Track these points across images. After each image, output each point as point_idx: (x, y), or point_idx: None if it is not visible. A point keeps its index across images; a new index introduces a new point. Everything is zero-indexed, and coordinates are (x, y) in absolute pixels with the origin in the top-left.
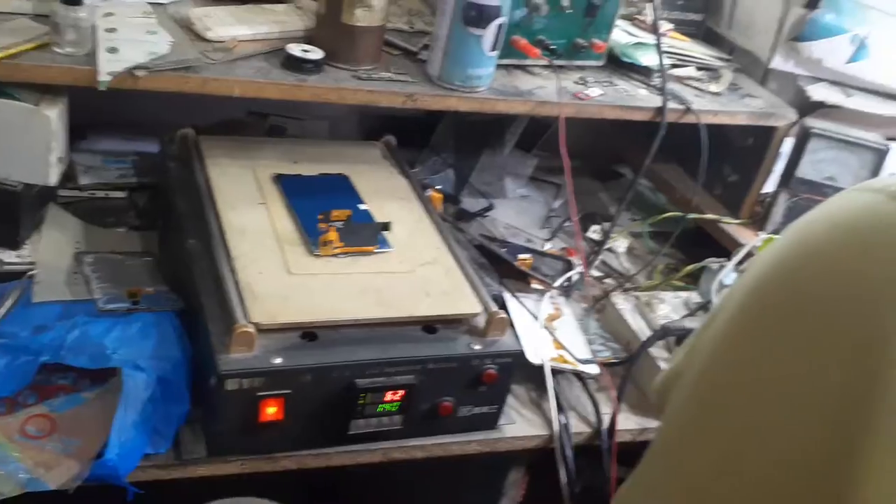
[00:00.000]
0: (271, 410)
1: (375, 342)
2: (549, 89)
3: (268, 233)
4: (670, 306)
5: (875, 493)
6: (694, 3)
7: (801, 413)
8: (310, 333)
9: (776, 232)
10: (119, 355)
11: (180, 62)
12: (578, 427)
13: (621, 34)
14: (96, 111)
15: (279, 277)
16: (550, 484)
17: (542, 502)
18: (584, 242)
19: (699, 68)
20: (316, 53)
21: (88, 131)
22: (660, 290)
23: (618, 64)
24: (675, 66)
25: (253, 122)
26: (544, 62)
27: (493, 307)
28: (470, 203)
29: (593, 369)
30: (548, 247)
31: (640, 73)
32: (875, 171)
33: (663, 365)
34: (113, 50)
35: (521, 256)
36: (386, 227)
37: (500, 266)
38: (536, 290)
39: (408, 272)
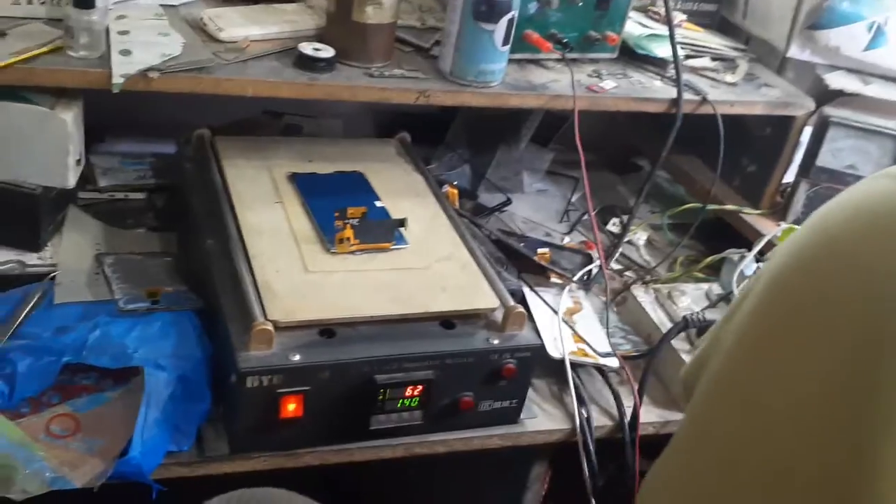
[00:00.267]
0: (291, 407)
1: (393, 338)
2: (562, 83)
3: (284, 231)
4: (691, 298)
5: (891, 488)
6: None
7: (818, 401)
8: (328, 330)
9: (797, 222)
10: (140, 354)
11: (193, 63)
12: (600, 420)
13: (634, 26)
14: (114, 113)
15: (296, 275)
16: (574, 477)
17: (565, 496)
18: (602, 235)
19: (714, 59)
20: (327, 52)
21: (106, 134)
22: (681, 282)
23: (631, 56)
24: (689, 56)
25: (268, 122)
26: (557, 56)
27: (511, 302)
28: (487, 198)
29: (614, 362)
30: (566, 240)
31: (654, 64)
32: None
33: (685, 357)
34: (126, 52)
35: (540, 250)
36: (402, 223)
37: (518, 261)
38: (556, 284)
39: (424, 268)
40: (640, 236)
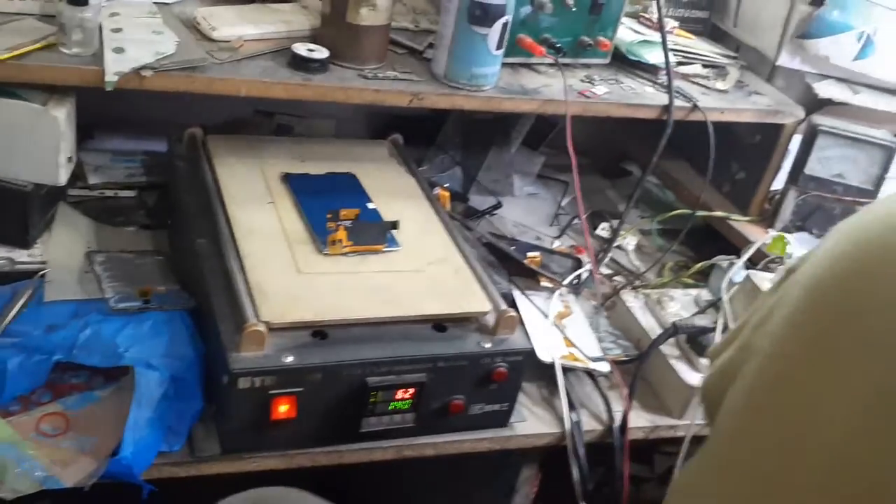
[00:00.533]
0: (283, 408)
1: (385, 341)
2: (554, 88)
3: (277, 232)
4: (680, 304)
5: None
6: (699, 0)
7: (856, 412)
8: (320, 332)
9: (786, 229)
10: (131, 354)
11: (186, 62)
12: (590, 425)
13: (627, 32)
14: (103, 110)
15: (289, 276)
16: (563, 481)
17: (554, 499)
18: (592, 240)
19: (705, 66)
20: (321, 53)
21: (96, 130)
22: (669, 288)
23: (623, 62)
24: (680, 63)
25: (259, 121)
26: (550, 60)
27: (503, 305)
28: (478, 201)
29: (604, 367)
30: (556, 245)
31: (646, 70)
32: (884, 168)
33: (675, 363)
34: (119, 50)
35: (530, 254)
36: (394, 225)
37: (509, 264)
38: (546, 288)
39: (416, 271)
40: (629, 241)
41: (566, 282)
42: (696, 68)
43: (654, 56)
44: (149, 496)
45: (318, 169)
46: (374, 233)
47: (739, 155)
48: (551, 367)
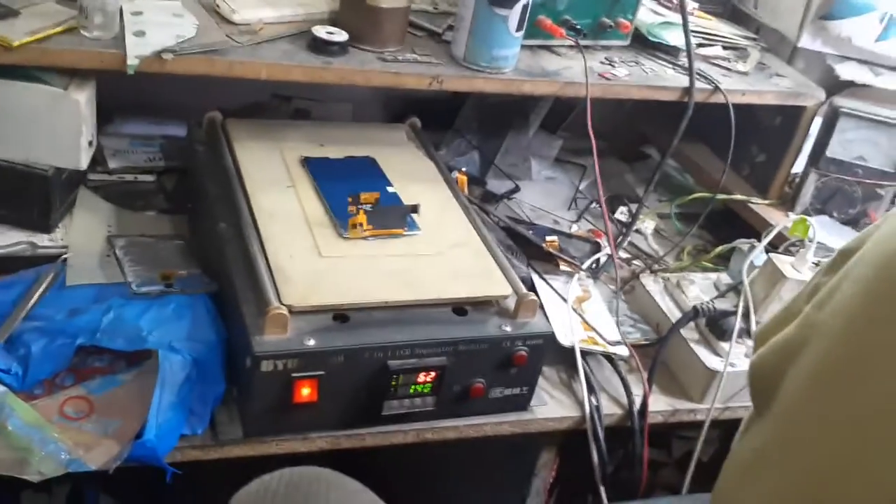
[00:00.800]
0: (305, 391)
1: (406, 324)
2: (575, 70)
3: (297, 216)
4: (700, 287)
5: None
6: None
7: None
8: (342, 315)
9: (806, 212)
10: (154, 337)
11: (207, 45)
12: (609, 408)
13: (647, 13)
14: (122, 95)
15: (310, 260)
16: (581, 465)
17: (573, 483)
18: (611, 224)
19: (726, 47)
20: (341, 35)
21: (115, 115)
22: (689, 272)
23: (644, 44)
24: (701, 45)
25: (277, 106)
26: (570, 42)
27: (523, 289)
28: (496, 185)
29: (623, 351)
30: (574, 229)
31: (666, 52)
32: None
33: (695, 346)
34: (140, 33)
35: (549, 238)
36: (415, 209)
37: (527, 248)
38: (564, 272)
39: (437, 254)
40: (648, 225)
41: (585, 266)
42: (717, 50)
43: (674, 38)
44: (172, 479)
45: (338, 153)
46: (395, 216)
47: (759, 138)
48: (571, 351)
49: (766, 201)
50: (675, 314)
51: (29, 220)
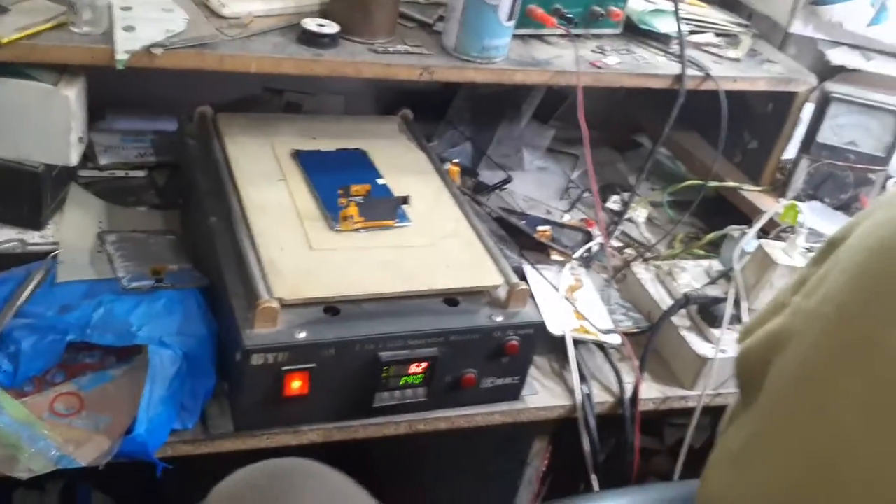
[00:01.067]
0: (296, 385)
1: (397, 315)
2: (566, 59)
3: (288, 209)
4: (691, 275)
5: None
6: None
7: None
8: (332, 308)
9: (798, 198)
10: (144, 332)
11: (197, 39)
12: (601, 397)
13: (638, 1)
14: (113, 91)
15: (301, 253)
16: (574, 453)
17: (566, 471)
18: (603, 213)
19: (717, 34)
20: (331, 27)
21: (106, 111)
22: (680, 259)
23: (635, 31)
24: (692, 32)
25: (269, 99)
26: (561, 31)
27: (514, 279)
28: (488, 176)
29: (615, 339)
30: (567, 218)
31: (657, 40)
32: None
33: (686, 334)
34: (129, 28)
35: (541, 228)
36: (405, 201)
37: (519, 238)
38: (556, 262)
39: (428, 245)
40: (640, 213)
41: (577, 255)
42: (709, 37)
43: (666, 25)
44: (163, 474)
45: (329, 145)
46: (385, 208)
47: (751, 124)
48: (562, 340)
49: (759, 188)
50: (666, 302)
51: (19, 217)
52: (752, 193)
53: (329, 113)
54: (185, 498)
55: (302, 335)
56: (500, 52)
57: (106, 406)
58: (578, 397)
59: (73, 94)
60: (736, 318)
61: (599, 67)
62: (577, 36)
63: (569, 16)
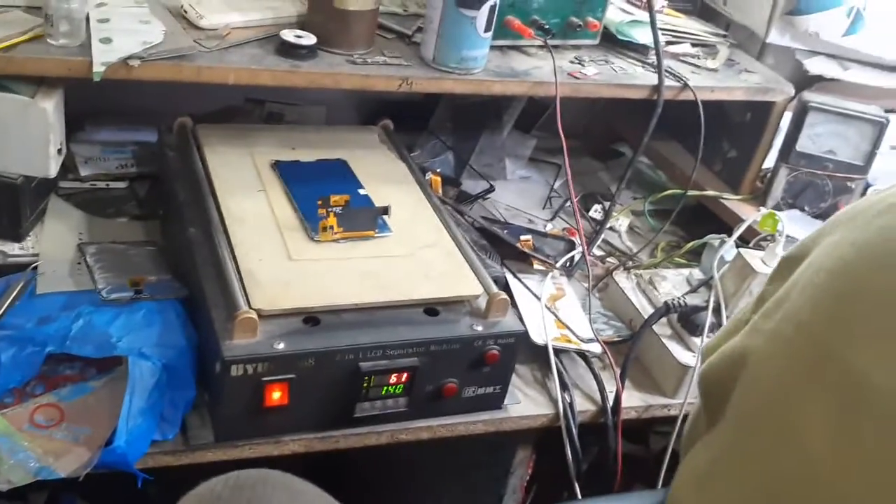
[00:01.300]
0: (276, 395)
1: (378, 326)
2: (544, 69)
3: (268, 219)
4: (672, 283)
5: None
6: None
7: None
8: (312, 318)
9: (777, 207)
10: (124, 344)
11: (174, 51)
12: (583, 405)
13: (616, 12)
14: (93, 102)
15: (280, 264)
16: (557, 461)
17: (549, 480)
18: (585, 222)
19: (695, 45)
20: (309, 39)
21: (86, 122)
22: (662, 268)
23: (613, 42)
24: (670, 42)
25: (250, 109)
26: (539, 42)
27: (494, 288)
28: (470, 185)
29: (596, 348)
30: (549, 227)
31: (635, 50)
32: (874, 144)
33: (667, 342)
34: (106, 40)
35: (523, 237)
36: (385, 211)
37: (501, 247)
38: (539, 271)
39: (408, 255)
40: (621, 222)
41: (559, 264)
42: (686, 47)
43: (643, 36)
44: (143, 485)
45: (309, 156)
46: (365, 218)
47: (730, 133)
48: (544, 349)
49: (738, 196)
50: (647, 310)
51: None
52: (733, 202)
53: (311, 123)
54: None
55: (281, 346)
56: (478, 63)
57: (86, 417)
58: (561, 406)
59: (50, 106)
60: (716, 326)
61: (578, 78)
62: (556, 47)
63: (546, 27)
